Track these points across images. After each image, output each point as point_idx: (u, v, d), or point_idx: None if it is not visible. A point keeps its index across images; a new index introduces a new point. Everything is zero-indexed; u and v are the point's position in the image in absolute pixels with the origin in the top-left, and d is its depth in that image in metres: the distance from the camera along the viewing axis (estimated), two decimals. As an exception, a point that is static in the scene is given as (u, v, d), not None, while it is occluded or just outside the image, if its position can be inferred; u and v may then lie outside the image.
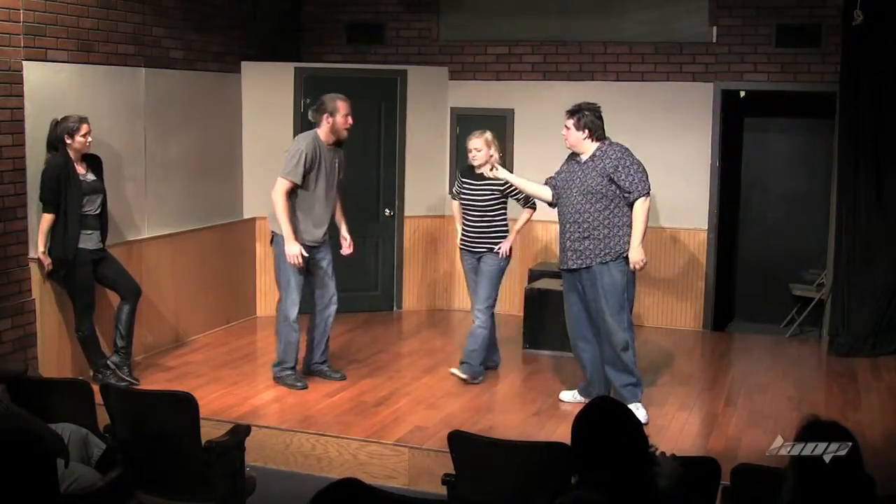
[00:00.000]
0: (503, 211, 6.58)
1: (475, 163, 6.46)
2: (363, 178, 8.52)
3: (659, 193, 8.18)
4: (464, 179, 6.63)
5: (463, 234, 6.66)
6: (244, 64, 8.23)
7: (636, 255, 5.79)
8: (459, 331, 8.27)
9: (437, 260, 8.91)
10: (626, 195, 5.75)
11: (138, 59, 6.95)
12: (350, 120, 6.28)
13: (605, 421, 2.70)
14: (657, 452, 2.72)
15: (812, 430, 2.79)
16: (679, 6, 8.22)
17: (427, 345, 6.95)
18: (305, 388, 6.39)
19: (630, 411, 2.72)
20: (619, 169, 5.74)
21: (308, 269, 6.38)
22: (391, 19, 8.97)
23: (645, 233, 5.80)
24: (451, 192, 7.03)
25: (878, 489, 2.97)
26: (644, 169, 5.83)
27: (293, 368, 6.48)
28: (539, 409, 5.99)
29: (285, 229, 6.14)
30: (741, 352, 7.90)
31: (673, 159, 8.19)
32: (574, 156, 5.93)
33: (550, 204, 6.07)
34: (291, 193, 6.18)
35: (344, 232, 6.56)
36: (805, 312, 8.38)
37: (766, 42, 7.99)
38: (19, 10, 5.92)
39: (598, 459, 2.64)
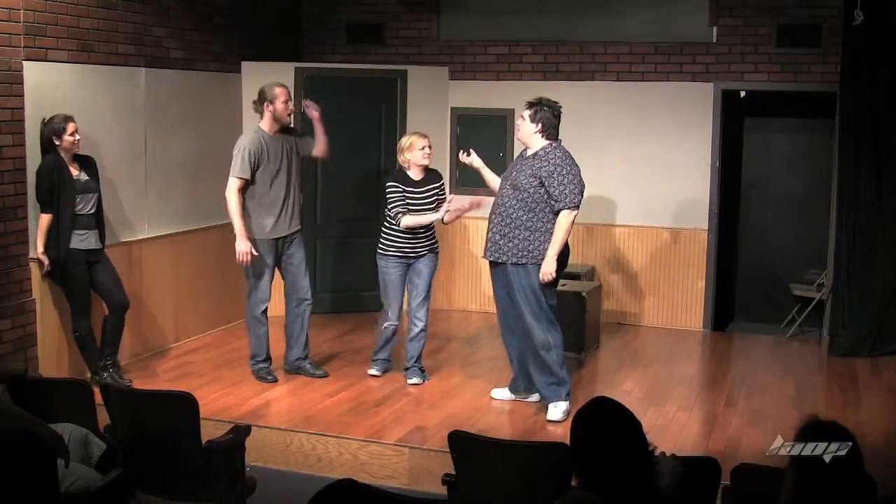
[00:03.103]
0: None
1: (427, 162, 6.36)
2: (363, 178, 8.51)
3: (659, 193, 8.25)
4: (408, 189, 6.35)
5: (406, 241, 6.39)
6: (244, 64, 8.23)
7: (547, 266, 5.67)
8: (459, 330, 8.27)
9: (437, 260, 8.88)
10: (553, 203, 5.66)
11: (138, 59, 6.95)
12: (290, 105, 6.32)
13: (604, 421, 2.70)
14: (657, 452, 2.72)
15: (812, 430, 2.79)
16: (679, 6, 8.21)
17: (426, 345, 6.94)
18: (276, 381, 6.49)
19: (629, 411, 2.72)
20: (554, 175, 5.64)
21: (279, 264, 6.48)
22: (391, 19, 8.96)
23: (562, 245, 5.68)
24: (397, 210, 6.39)
25: (878, 489, 2.97)
26: (580, 181, 5.71)
27: (265, 361, 6.57)
28: (539, 409, 5.99)
29: (236, 226, 6.22)
30: (741, 352, 7.90)
31: (673, 159, 8.20)
32: (525, 150, 5.90)
33: None
34: (246, 191, 6.26)
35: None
36: (805, 312, 8.37)
37: (766, 42, 7.99)
38: (19, 10, 5.92)
39: (598, 459, 2.64)
